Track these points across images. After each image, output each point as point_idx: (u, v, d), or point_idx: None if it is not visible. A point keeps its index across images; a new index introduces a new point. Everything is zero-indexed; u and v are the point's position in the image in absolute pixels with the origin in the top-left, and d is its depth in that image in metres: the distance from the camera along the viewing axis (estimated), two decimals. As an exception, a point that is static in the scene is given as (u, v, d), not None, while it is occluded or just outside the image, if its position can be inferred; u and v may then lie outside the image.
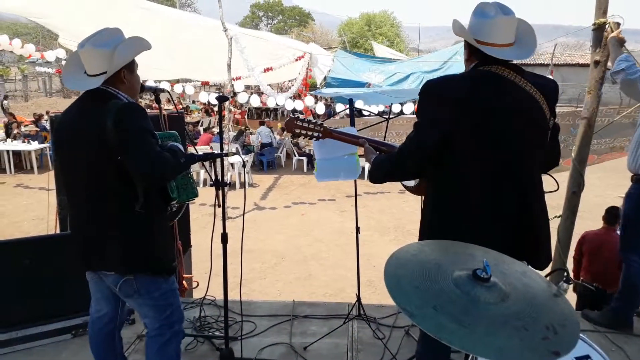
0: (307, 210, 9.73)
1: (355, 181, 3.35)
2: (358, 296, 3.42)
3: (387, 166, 2.02)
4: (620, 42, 3.28)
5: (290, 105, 11.64)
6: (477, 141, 1.80)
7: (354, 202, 3.44)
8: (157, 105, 2.73)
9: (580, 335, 1.51)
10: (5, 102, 19.40)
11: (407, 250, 1.49)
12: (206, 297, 3.54)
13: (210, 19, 12.07)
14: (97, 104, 1.99)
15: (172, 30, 10.59)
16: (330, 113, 15.48)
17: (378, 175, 2.06)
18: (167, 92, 3.12)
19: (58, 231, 3.67)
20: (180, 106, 17.76)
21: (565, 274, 1.39)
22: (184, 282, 4.08)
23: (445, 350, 2.11)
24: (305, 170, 13.08)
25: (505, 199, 1.82)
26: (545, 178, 2.04)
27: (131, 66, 2.15)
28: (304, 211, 9.66)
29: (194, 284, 4.56)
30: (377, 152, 2.22)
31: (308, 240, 7.86)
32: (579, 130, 3.69)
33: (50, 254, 3.08)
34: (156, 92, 2.73)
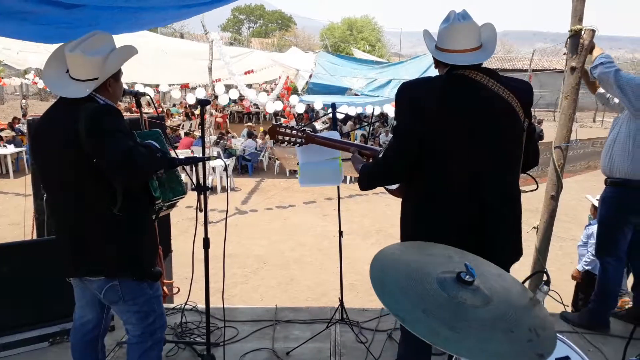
0: (289, 214, 9.71)
1: (338, 185, 3.35)
2: (341, 300, 3.42)
3: (374, 173, 2.07)
4: (590, 48, 3.37)
5: (270, 107, 11.61)
6: (451, 143, 1.84)
7: (337, 206, 3.44)
8: (137, 109, 2.71)
9: (560, 336, 1.54)
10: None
11: (389, 252, 1.50)
12: (187, 303, 3.50)
13: (196, 44, 12.13)
14: (73, 107, 1.96)
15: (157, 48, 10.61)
16: (312, 117, 15.51)
17: (367, 183, 2.10)
18: (148, 95, 3.10)
19: (35, 237, 3.60)
20: (161, 110, 17.57)
21: (545, 277, 1.41)
22: (165, 287, 4.02)
23: (426, 352, 2.13)
24: (287, 174, 13.05)
25: (473, 200, 1.87)
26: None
27: (117, 75, 2.13)
28: (286, 215, 9.64)
29: (175, 290, 4.50)
30: (364, 160, 2.24)
31: (290, 245, 7.84)
32: (556, 135, 3.75)
33: (27, 260, 3.01)
34: (137, 96, 2.70)
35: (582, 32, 3.44)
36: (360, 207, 10.17)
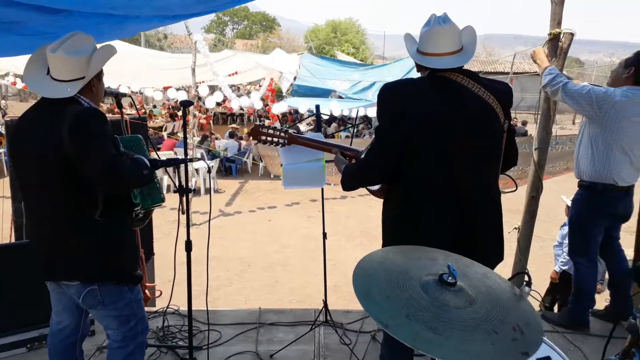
0: (274, 216, 9.68)
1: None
2: (325, 302, 3.42)
3: (356, 174, 2.08)
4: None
5: (258, 105, 11.55)
6: (432, 144, 1.85)
7: (321, 208, 3.44)
8: (119, 110, 2.67)
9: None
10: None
11: (372, 259, 1.49)
12: (169, 306, 3.46)
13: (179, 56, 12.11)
14: (55, 108, 1.93)
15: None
16: (297, 118, 15.50)
17: (350, 184, 2.10)
18: (130, 96, 3.06)
19: (13, 240, 3.52)
20: (143, 111, 17.38)
21: (527, 278, 1.43)
22: (147, 291, 3.97)
23: (408, 353, 2.14)
24: (271, 176, 13.01)
25: (454, 200, 1.88)
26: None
27: (100, 75, 2.11)
28: (270, 217, 9.61)
29: (157, 293, 4.45)
30: (347, 161, 2.24)
31: (274, 247, 7.82)
32: (536, 137, 3.81)
33: (5, 263, 2.95)
34: (118, 96, 2.67)
35: (561, 36, 3.50)
36: (345, 209, 10.18)
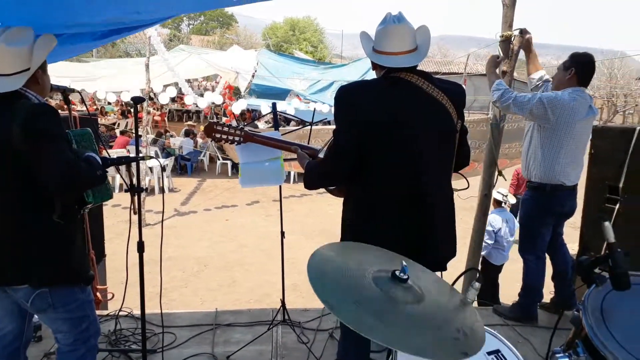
0: (232, 215, 9.56)
1: (280, 185, 3.33)
2: (282, 301, 3.40)
3: (318, 172, 2.09)
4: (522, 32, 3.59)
5: (218, 100, 11.35)
6: (389, 144, 1.88)
7: (280, 206, 3.42)
8: (66, 105, 2.56)
9: (492, 331, 1.60)
10: None
11: (330, 248, 1.52)
12: (122, 309, 3.35)
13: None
14: (4, 103, 1.83)
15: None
16: (255, 116, 15.37)
17: (311, 182, 2.11)
18: (78, 92, 2.94)
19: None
20: (95, 107, 16.78)
21: (478, 274, 1.47)
22: (98, 293, 3.84)
23: (365, 349, 2.16)
24: (229, 174, 12.86)
25: (411, 198, 1.92)
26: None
27: (44, 66, 2.02)
28: (228, 216, 9.49)
29: (109, 296, 4.31)
30: (310, 158, 2.23)
31: (232, 246, 7.72)
32: (488, 136, 3.93)
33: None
34: (65, 92, 2.55)
35: (512, 38, 3.63)
36: (304, 207, 10.19)
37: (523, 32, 3.60)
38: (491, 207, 5.04)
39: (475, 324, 1.33)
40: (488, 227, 4.78)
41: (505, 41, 3.66)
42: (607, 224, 1.52)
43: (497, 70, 3.64)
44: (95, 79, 11.45)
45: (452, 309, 1.38)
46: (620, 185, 3.58)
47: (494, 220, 5.26)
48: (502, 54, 3.68)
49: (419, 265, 1.60)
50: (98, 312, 3.43)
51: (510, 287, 4.27)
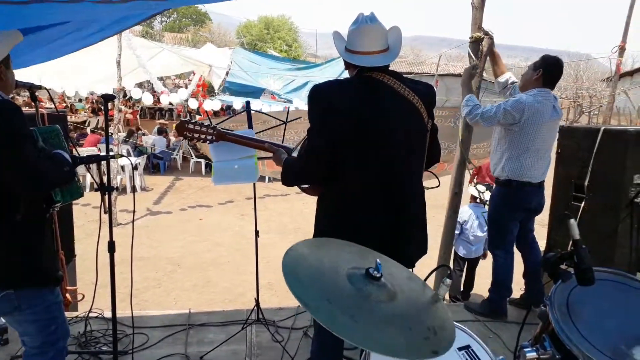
0: (206, 214, 9.46)
1: (254, 184, 3.32)
2: (257, 300, 3.39)
3: (294, 170, 2.09)
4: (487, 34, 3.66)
5: (193, 104, 11.19)
6: (360, 143, 1.90)
7: (255, 205, 3.40)
8: (33, 103, 2.49)
9: (462, 327, 1.63)
10: None
11: (305, 244, 1.53)
12: (93, 310, 3.29)
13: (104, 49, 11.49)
14: None
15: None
16: (229, 114, 15.23)
17: (288, 178, 2.11)
18: (46, 89, 2.86)
19: None
20: (64, 105, 16.36)
21: (449, 271, 1.49)
22: (68, 294, 3.75)
23: (338, 349, 2.17)
24: (203, 172, 12.71)
25: (384, 196, 1.95)
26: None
27: (7, 61, 1.96)
28: (202, 215, 9.38)
29: (79, 297, 4.21)
30: (287, 155, 2.23)
31: (206, 246, 7.64)
32: (459, 137, 4.00)
33: None
34: (31, 88, 2.48)
35: (481, 40, 3.71)
36: (279, 206, 10.15)
37: (486, 33, 3.68)
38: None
39: (445, 322, 1.36)
40: (461, 221, 4.95)
41: (475, 42, 3.74)
42: (572, 221, 1.57)
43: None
44: (63, 72, 11.07)
45: (424, 306, 1.40)
46: (586, 183, 3.69)
47: (463, 212, 5.43)
48: (473, 57, 3.75)
49: (392, 262, 1.62)
50: (68, 313, 3.36)
51: (486, 283, 4.35)
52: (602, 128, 3.65)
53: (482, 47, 3.72)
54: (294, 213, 9.57)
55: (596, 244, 3.37)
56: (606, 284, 1.72)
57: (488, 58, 3.80)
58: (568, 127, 3.92)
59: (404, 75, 2.05)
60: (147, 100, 10.86)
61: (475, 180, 6.18)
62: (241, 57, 14.73)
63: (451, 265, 5.48)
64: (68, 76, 12.01)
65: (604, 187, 3.60)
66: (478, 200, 5.43)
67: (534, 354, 1.57)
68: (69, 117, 14.82)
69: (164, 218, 9.06)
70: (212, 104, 11.78)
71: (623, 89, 20.05)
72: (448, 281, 1.43)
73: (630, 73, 26.76)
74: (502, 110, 3.24)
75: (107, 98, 2.41)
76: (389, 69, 1.98)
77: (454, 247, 4.84)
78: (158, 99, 12.17)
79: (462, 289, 5.46)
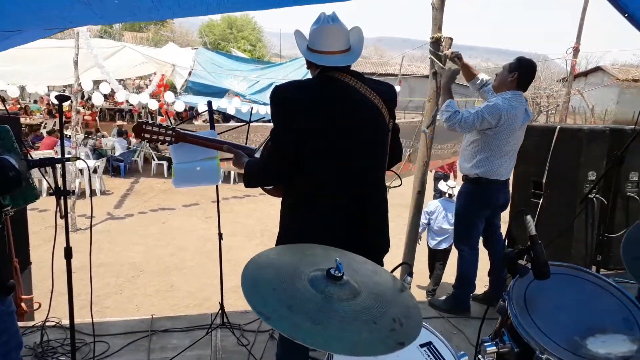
0: (169, 218, 9.28)
1: (217, 186, 3.27)
2: (221, 304, 3.35)
3: (256, 171, 2.07)
4: (458, 57, 3.70)
5: (153, 104, 10.91)
6: (325, 143, 1.91)
7: (219, 207, 3.36)
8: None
9: (424, 323, 1.65)
10: None
11: (265, 254, 1.50)
12: (50, 319, 3.17)
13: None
14: None
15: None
16: (192, 115, 15.00)
17: (251, 181, 2.09)
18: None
19: None
20: (18, 107, 15.72)
21: (411, 269, 1.51)
22: (23, 304, 3.60)
23: (304, 350, 2.17)
24: (165, 175, 12.47)
25: (346, 195, 1.96)
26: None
27: None
28: (165, 219, 9.19)
29: (35, 306, 4.05)
30: (247, 158, 2.20)
31: (170, 250, 7.49)
32: (421, 137, 4.06)
33: None
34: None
35: (442, 40, 3.77)
36: (245, 208, 10.06)
37: (458, 57, 3.70)
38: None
39: (411, 310, 1.36)
40: (424, 208, 5.08)
41: (436, 43, 3.80)
42: (528, 217, 1.61)
43: (431, 70, 3.76)
44: (16, 68, 10.60)
45: (389, 298, 1.39)
46: (544, 181, 3.82)
47: (431, 204, 5.59)
48: (437, 61, 3.81)
49: (357, 257, 1.62)
50: (23, 323, 3.23)
51: (452, 279, 4.43)
52: (558, 127, 3.78)
53: (442, 47, 3.79)
54: (261, 214, 9.51)
55: (555, 239, 3.49)
56: (562, 277, 1.78)
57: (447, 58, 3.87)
58: (527, 126, 4.05)
59: (368, 76, 2.06)
60: (98, 100, 10.34)
61: (434, 170, 6.44)
62: (205, 59, 14.51)
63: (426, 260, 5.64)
64: (25, 76, 11.56)
65: (560, 183, 3.73)
66: (447, 195, 5.57)
67: (493, 348, 1.61)
68: (23, 119, 14.27)
69: (125, 222, 8.83)
70: (176, 105, 11.54)
71: (578, 89, 20.84)
72: (409, 279, 1.44)
73: (585, 73, 27.88)
74: (480, 117, 3.30)
75: (62, 99, 2.33)
76: (352, 69, 1.99)
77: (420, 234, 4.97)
78: (115, 101, 11.81)
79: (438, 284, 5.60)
